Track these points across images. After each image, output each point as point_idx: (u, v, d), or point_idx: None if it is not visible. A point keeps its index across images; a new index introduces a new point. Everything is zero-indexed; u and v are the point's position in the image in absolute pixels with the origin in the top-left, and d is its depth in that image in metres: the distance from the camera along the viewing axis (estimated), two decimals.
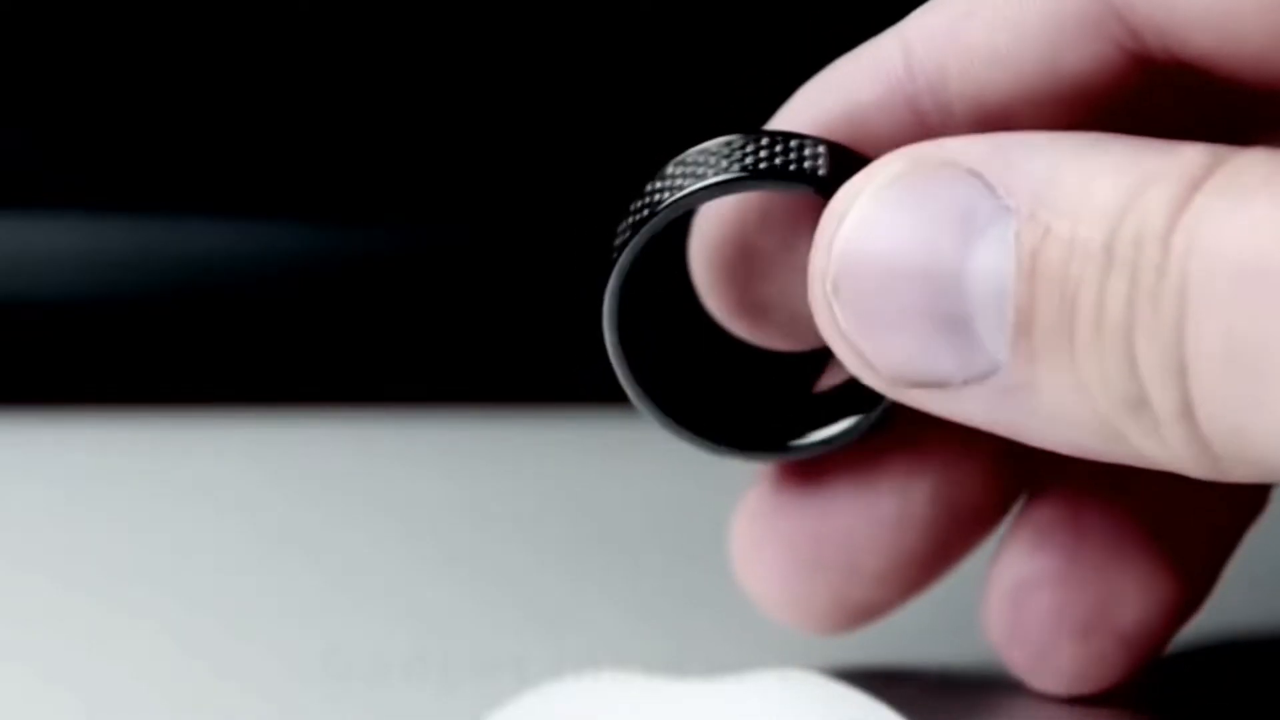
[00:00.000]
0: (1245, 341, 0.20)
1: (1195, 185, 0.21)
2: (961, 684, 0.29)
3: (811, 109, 0.25)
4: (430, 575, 0.33)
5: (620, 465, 0.38)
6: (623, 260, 0.24)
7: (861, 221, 0.22)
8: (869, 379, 0.23)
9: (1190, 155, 0.21)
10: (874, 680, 0.26)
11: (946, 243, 0.22)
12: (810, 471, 0.27)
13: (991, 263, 0.21)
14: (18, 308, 0.40)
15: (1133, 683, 0.27)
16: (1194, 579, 0.27)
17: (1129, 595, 0.27)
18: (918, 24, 0.24)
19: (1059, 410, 0.21)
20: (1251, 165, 0.21)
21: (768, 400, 0.26)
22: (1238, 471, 0.21)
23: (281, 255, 0.41)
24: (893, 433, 0.26)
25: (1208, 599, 0.27)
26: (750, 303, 0.26)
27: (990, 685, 0.29)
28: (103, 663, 0.29)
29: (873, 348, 0.22)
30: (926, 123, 0.24)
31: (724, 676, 0.25)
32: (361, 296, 0.41)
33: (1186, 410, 0.20)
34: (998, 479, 0.27)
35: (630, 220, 0.24)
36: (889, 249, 0.22)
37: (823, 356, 0.25)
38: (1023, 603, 0.27)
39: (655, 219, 0.24)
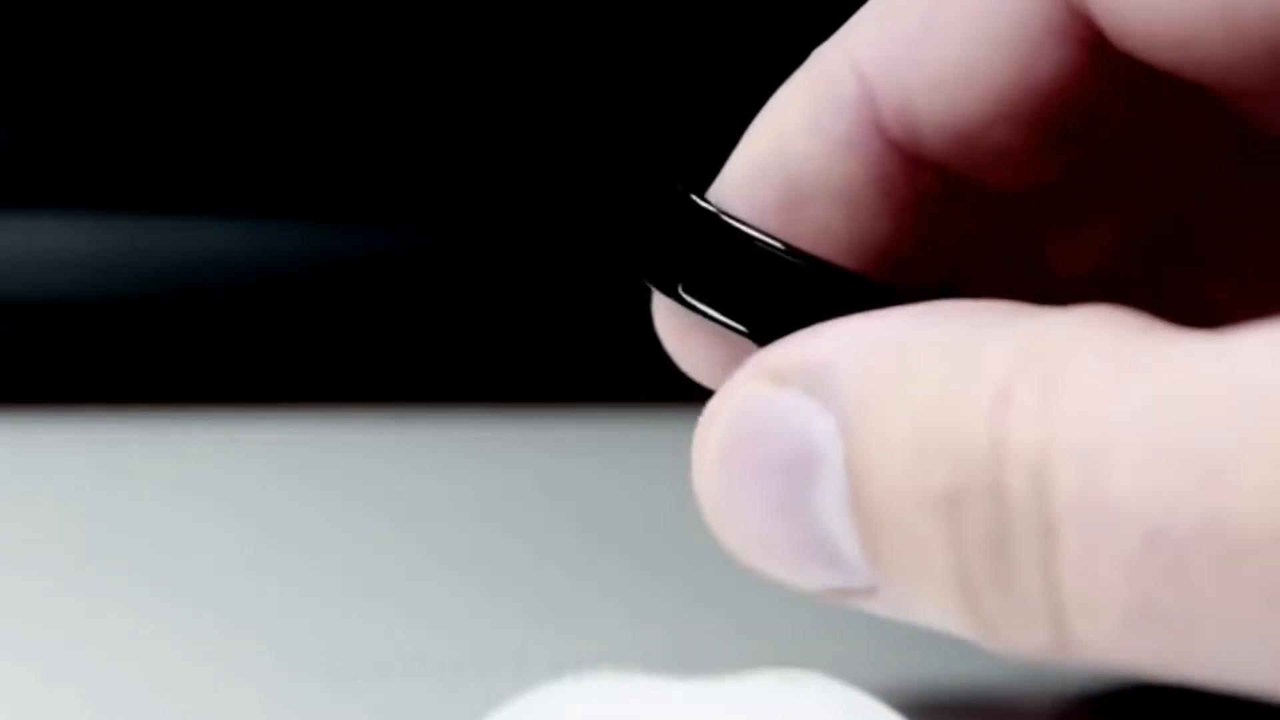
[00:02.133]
0: (1164, 602, 0.18)
1: (1005, 394, 0.18)
2: (962, 684, 0.29)
3: (777, 163, 0.23)
4: (430, 575, 0.33)
5: (620, 465, 0.38)
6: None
7: (721, 451, 0.21)
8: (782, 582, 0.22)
9: (996, 350, 0.19)
10: (874, 680, 0.26)
11: (794, 474, 0.21)
12: None
13: (833, 489, 0.20)
14: (18, 308, 0.40)
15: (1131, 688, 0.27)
16: None
17: None
18: (867, 44, 0.23)
19: (939, 625, 0.20)
20: (1072, 355, 0.18)
21: None
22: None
23: (281, 255, 0.41)
24: None
25: None
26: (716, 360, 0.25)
27: (991, 685, 0.29)
28: (102, 662, 0.29)
29: (765, 566, 0.22)
30: (900, 149, 0.23)
31: (724, 676, 0.25)
32: (361, 296, 0.41)
33: (1062, 640, 0.19)
34: None
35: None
36: (748, 482, 0.21)
37: None
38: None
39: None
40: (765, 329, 0.23)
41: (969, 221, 0.24)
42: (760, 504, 0.21)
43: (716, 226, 0.24)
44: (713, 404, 0.22)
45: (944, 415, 0.19)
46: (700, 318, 0.24)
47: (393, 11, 0.41)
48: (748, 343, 0.23)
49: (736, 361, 0.23)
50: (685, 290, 0.24)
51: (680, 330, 0.25)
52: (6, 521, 0.35)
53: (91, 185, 0.41)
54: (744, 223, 0.23)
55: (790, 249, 0.23)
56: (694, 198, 0.24)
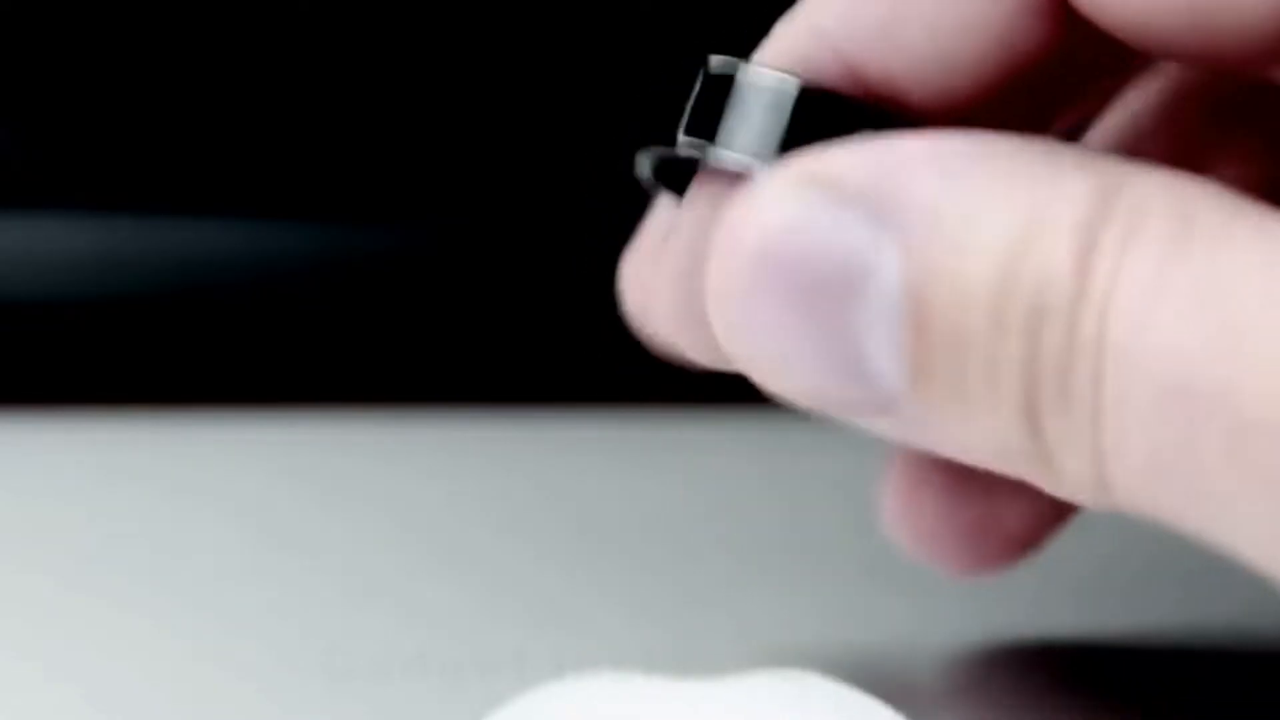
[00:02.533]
0: (1172, 459, 0.19)
1: (1091, 239, 0.19)
2: (962, 683, 0.29)
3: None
4: (430, 575, 0.33)
5: (621, 465, 0.38)
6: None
7: (751, 256, 0.21)
8: (778, 395, 0.22)
9: (1078, 190, 0.20)
10: (874, 680, 0.26)
11: (835, 280, 0.21)
12: None
13: (882, 302, 0.20)
14: (18, 308, 0.40)
15: (1134, 685, 0.28)
16: None
17: (1016, 505, 0.27)
18: (841, 23, 0.23)
19: (962, 445, 0.21)
20: (1152, 213, 0.19)
21: None
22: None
23: (281, 255, 0.41)
24: None
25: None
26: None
27: (991, 685, 0.29)
28: (102, 662, 0.29)
29: (772, 378, 0.22)
30: None
31: (724, 676, 0.25)
32: (361, 296, 0.41)
33: (1100, 482, 0.20)
34: None
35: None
36: (780, 287, 0.21)
37: None
38: (915, 498, 0.27)
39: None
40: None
41: None
42: (790, 316, 0.21)
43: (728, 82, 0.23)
44: (744, 206, 0.21)
45: (1028, 242, 0.19)
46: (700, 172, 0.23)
47: (392, 11, 0.41)
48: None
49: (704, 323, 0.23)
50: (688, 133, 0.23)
51: (645, 290, 0.25)
52: (6, 521, 0.35)
53: (91, 185, 0.41)
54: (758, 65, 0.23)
55: (807, 82, 0.23)
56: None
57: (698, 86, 0.24)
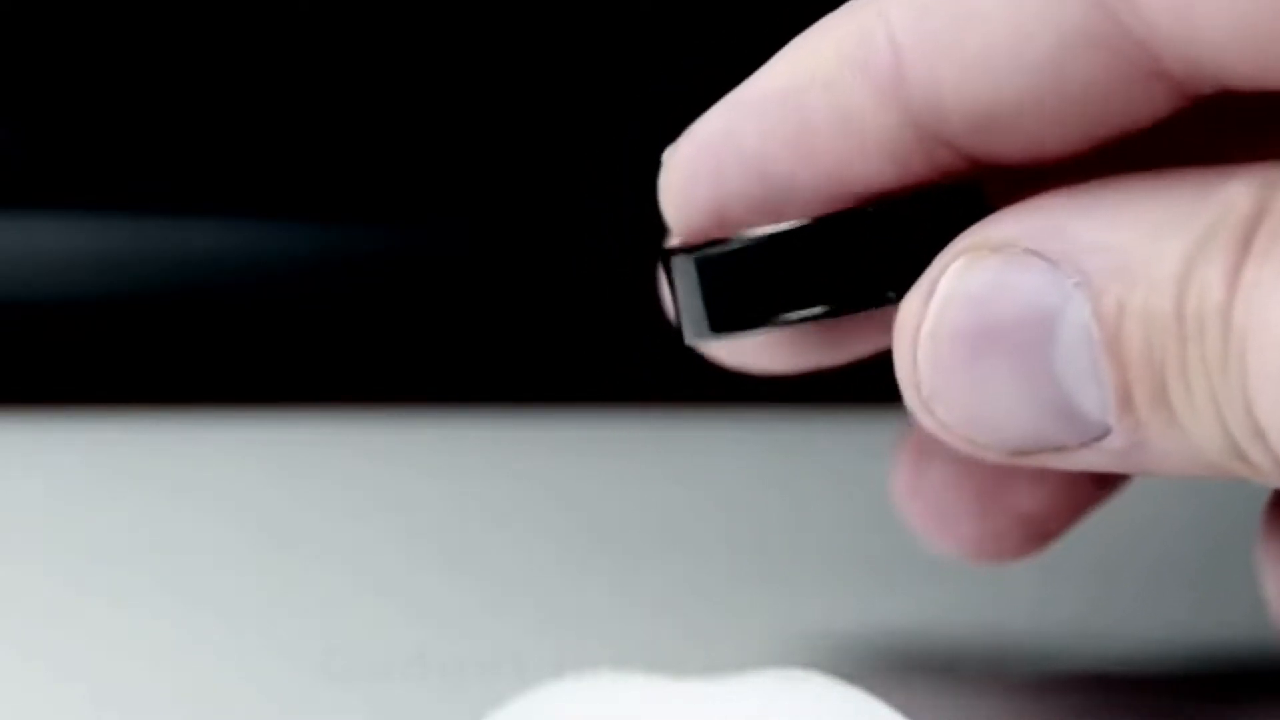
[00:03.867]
0: None
1: (1247, 242, 0.21)
2: (962, 683, 0.29)
3: (794, 106, 0.24)
4: (430, 575, 0.33)
5: (621, 465, 0.38)
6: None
7: (940, 331, 0.22)
8: (982, 456, 0.23)
9: (1236, 198, 0.21)
10: (874, 680, 0.26)
11: (1027, 335, 0.22)
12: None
13: (1077, 345, 0.22)
14: (18, 308, 0.40)
15: (1135, 685, 0.27)
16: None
17: (1025, 479, 0.27)
18: (906, 15, 0.23)
19: (1174, 460, 0.22)
20: None
21: None
22: None
23: (281, 255, 0.41)
24: None
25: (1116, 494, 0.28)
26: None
27: (992, 685, 0.29)
28: (102, 661, 0.29)
29: (982, 436, 0.23)
30: (921, 123, 0.23)
31: (724, 676, 0.25)
32: (361, 296, 0.41)
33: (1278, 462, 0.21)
34: None
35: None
36: (973, 353, 0.22)
37: None
38: (925, 468, 0.28)
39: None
40: (848, 294, 0.23)
41: None
42: (995, 373, 0.22)
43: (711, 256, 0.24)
44: (919, 289, 0.23)
45: (1198, 256, 0.21)
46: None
47: (392, 11, 0.41)
48: None
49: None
50: (735, 324, 0.24)
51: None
52: (6, 521, 0.34)
53: (91, 185, 0.41)
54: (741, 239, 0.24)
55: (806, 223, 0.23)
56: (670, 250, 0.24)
57: (703, 276, 0.24)
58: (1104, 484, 0.28)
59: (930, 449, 0.28)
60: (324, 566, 0.33)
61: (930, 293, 0.22)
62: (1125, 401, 0.22)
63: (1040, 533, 0.28)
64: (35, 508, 0.35)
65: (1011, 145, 0.23)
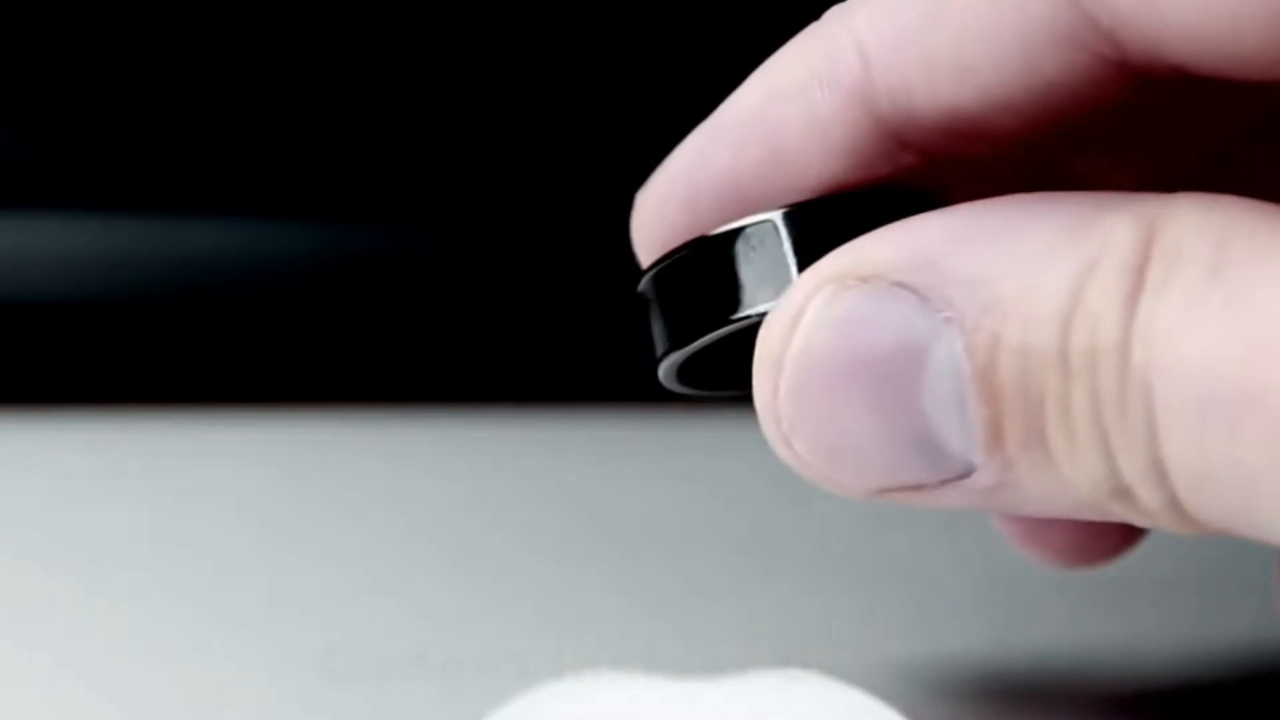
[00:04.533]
0: (1220, 464, 0.20)
1: (1139, 274, 0.20)
2: (963, 683, 0.29)
3: (764, 123, 0.24)
4: (431, 574, 0.33)
5: (621, 465, 0.38)
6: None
7: (804, 361, 0.22)
8: (841, 491, 0.23)
9: (1117, 229, 0.20)
10: (874, 680, 0.26)
11: (893, 368, 0.21)
12: None
13: (944, 381, 0.21)
14: (18, 308, 0.40)
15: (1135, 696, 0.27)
16: None
17: None
18: (872, 26, 0.23)
19: (1043, 499, 0.21)
20: (1189, 244, 0.20)
21: None
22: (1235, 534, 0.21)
23: (281, 255, 0.41)
24: None
25: None
26: None
27: (992, 684, 0.29)
28: (103, 661, 0.29)
29: (840, 473, 0.22)
30: (889, 129, 0.23)
31: (724, 676, 0.25)
32: (361, 296, 0.41)
33: (1173, 502, 0.20)
34: None
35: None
36: (837, 385, 0.22)
37: None
38: None
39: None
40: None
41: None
42: (857, 406, 0.22)
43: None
44: (779, 316, 0.22)
45: (1083, 291, 0.20)
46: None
47: (392, 11, 0.41)
48: None
49: None
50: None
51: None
52: (6, 521, 0.34)
53: (92, 185, 0.41)
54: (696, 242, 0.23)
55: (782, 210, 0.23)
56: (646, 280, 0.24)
57: (658, 292, 0.24)
58: None
59: None
60: (324, 566, 0.33)
61: (795, 319, 0.22)
62: (994, 438, 0.21)
63: (1131, 531, 0.28)
64: (36, 507, 0.35)
65: (977, 142, 0.23)
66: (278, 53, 0.41)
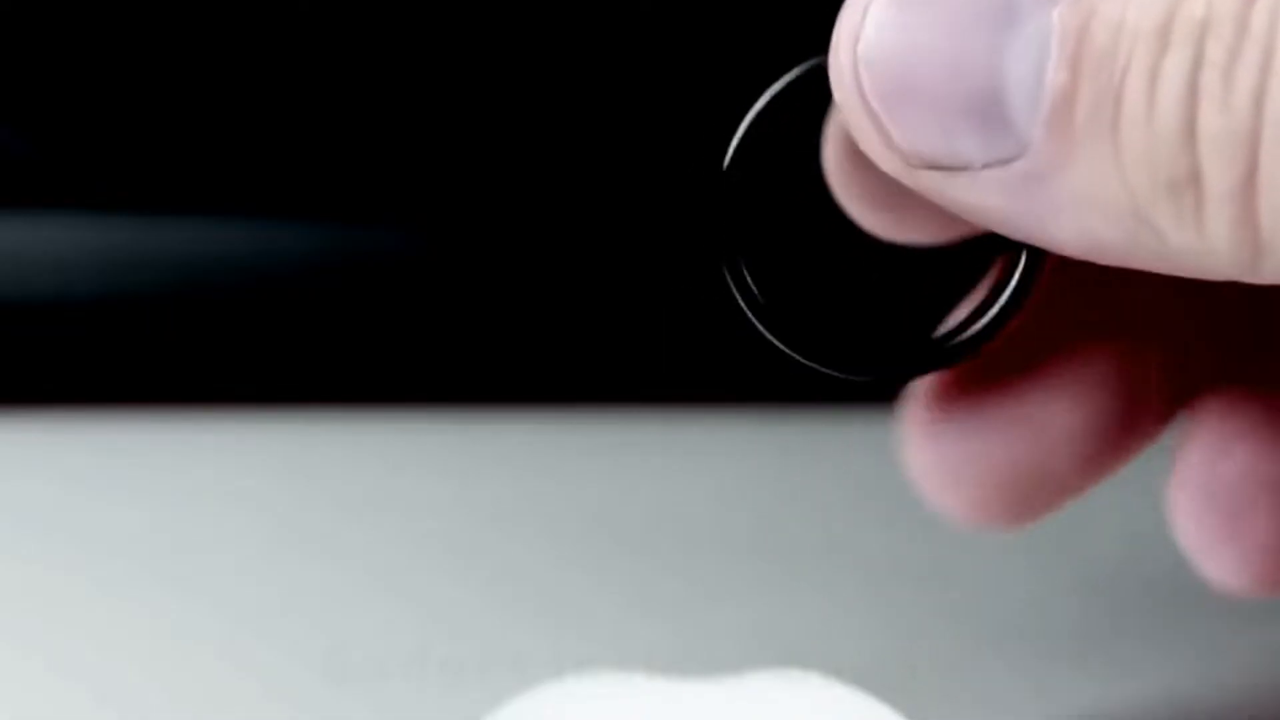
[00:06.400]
0: None
1: None
2: (963, 683, 0.29)
3: None
4: (431, 574, 0.33)
5: (622, 465, 0.38)
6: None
7: (891, 3, 0.21)
8: (882, 156, 0.22)
9: None
10: (874, 680, 0.26)
11: (984, 27, 0.21)
12: (967, 390, 0.27)
13: (1031, 45, 0.20)
14: (18, 308, 0.40)
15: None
16: None
17: (1029, 435, 0.27)
18: None
19: (1087, 196, 0.21)
20: None
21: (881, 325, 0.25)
22: (1270, 269, 0.20)
23: (281, 255, 0.41)
24: (1034, 352, 0.26)
25: None
26: (884, 189, 0.24)
27: (992, 685, 0.29)
28: (103, 660, 0.29)
29: (893, 119, 0.21)
30: None
31: (724, 676, 0.25)
32: (361, 296, 0.41)
33: (1247, 182, 0.20)
34: (1165, 388, 0.27)
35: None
36: (923, 32, 0.21)
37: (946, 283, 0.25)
38: (938, 426, 0.27)
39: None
40: None
41: None
42: (938, 38, 0.21)
43: None
44: None
45: None
46: None
47: (392, 11, 0.41)
48: None
49: None
50: None
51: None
52: (6, 521, 0.35)
53: (93, 185, 0.41)
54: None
55: None
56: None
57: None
58: (1109, 452, 0.27)
59: (944, 409, 0.27)
60: (325, 566, 0.33)
61: None
62: (1064, 107, 0.20)
63: (1039, 498, 0.27)
64: (36, 508, 0.35)
65: None
66: (277, 53, 0.41)
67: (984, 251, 0.23)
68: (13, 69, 0.40)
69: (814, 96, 0.23)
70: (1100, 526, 0.30)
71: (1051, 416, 0.26)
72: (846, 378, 0.24)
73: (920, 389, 0.27)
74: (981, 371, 0.26)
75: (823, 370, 0.24)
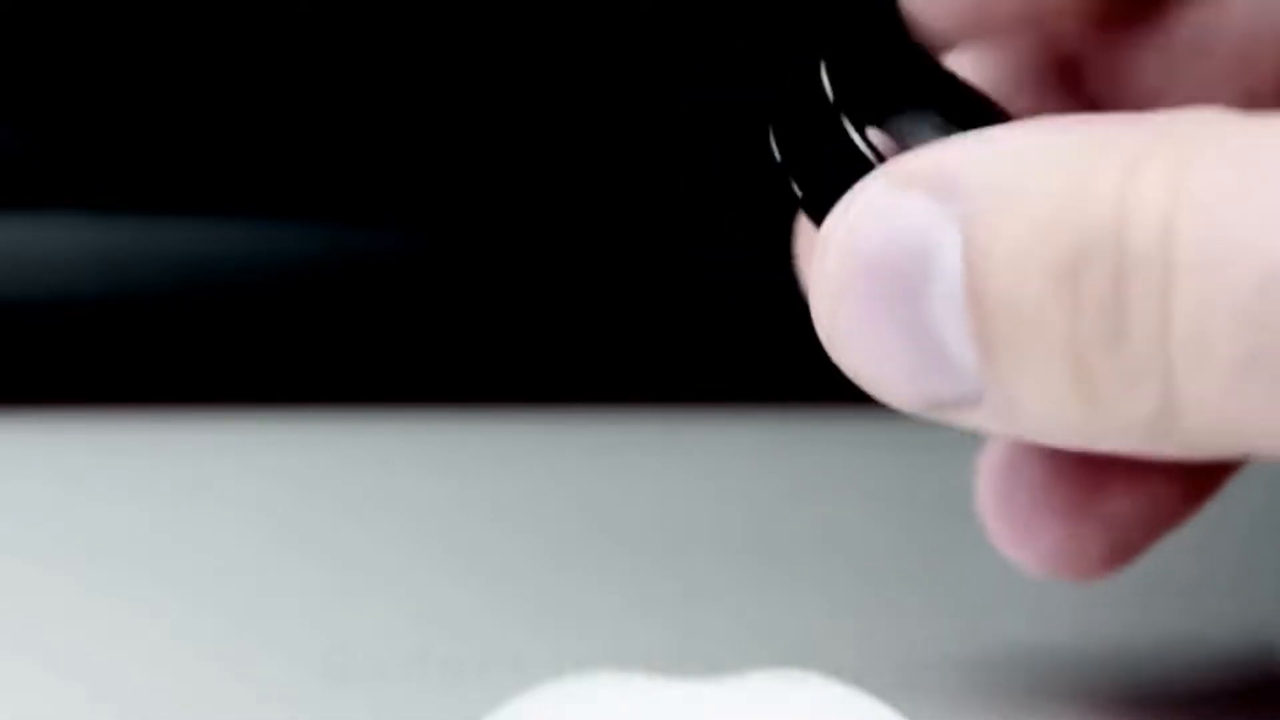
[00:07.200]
0: (1269, 358, 0.18)
1: (1135, 171, 0.19)
2: (963, 683, 0.29)
3: None
4: (430, 574, 0.33)
5: (621, 464, 0.38)
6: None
7: (842, 255, 0.21)
8: (891, 402, 0.22)
9: (1125, 136, 0.20)
10: (874, 680, 0.26)
11: (910, 280, 0.21)
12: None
13: (949, 289, 0.21)
14: (18, 308, 0.40)
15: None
16: (1194, 478, 0.26)
17: (1119, 481, 0.26)
18: None
19: (1045, 422, 0.21)
20: (1204, 132, 0.19)
21: None
22: (1213, 453, 0.20)
23: (281, 255, 0.41)
24: None
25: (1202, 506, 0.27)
26: None
27: (993, 685, 0.29)
28: (102, 661, 0.29)
29: (878, 381, 0.22)
30: None
31: (724, 676, 0.25)
32: (361, 296, 0.41)
33: (1168, 414, 0.20)
34: None
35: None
36: (860, 289, 0.21)
37: None
38: (1012, 475, 0.27)
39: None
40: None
41: None
42: (878, 307, 0.21)
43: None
44: (836, 211, 0.22)
45: (1071, 191, 0.19)
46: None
47: (392, 12, 0.41)
48: None
49: None
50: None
51: None
52: (6, 521, 0.35)
53: (92, 185, 0.41)
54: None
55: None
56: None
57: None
58: (1192, 495, 0.27)
59: (1017, 456, 0.27)
60: (324, 566, 0.33)
61: (839, 218, 0.22)
62: (985, 347, 0.20)
63: (1125, 546, 0.27)
64: (35, 508, 0.35)
65: None
66: (277, 53, 0.41)
67: None
68: (12, 69, 0.40)
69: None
70: None
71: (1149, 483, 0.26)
72: None
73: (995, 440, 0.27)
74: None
75: None
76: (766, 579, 0.33)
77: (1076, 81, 0.26)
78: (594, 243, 0.41)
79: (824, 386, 0.28)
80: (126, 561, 0.33)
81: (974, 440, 0.26)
